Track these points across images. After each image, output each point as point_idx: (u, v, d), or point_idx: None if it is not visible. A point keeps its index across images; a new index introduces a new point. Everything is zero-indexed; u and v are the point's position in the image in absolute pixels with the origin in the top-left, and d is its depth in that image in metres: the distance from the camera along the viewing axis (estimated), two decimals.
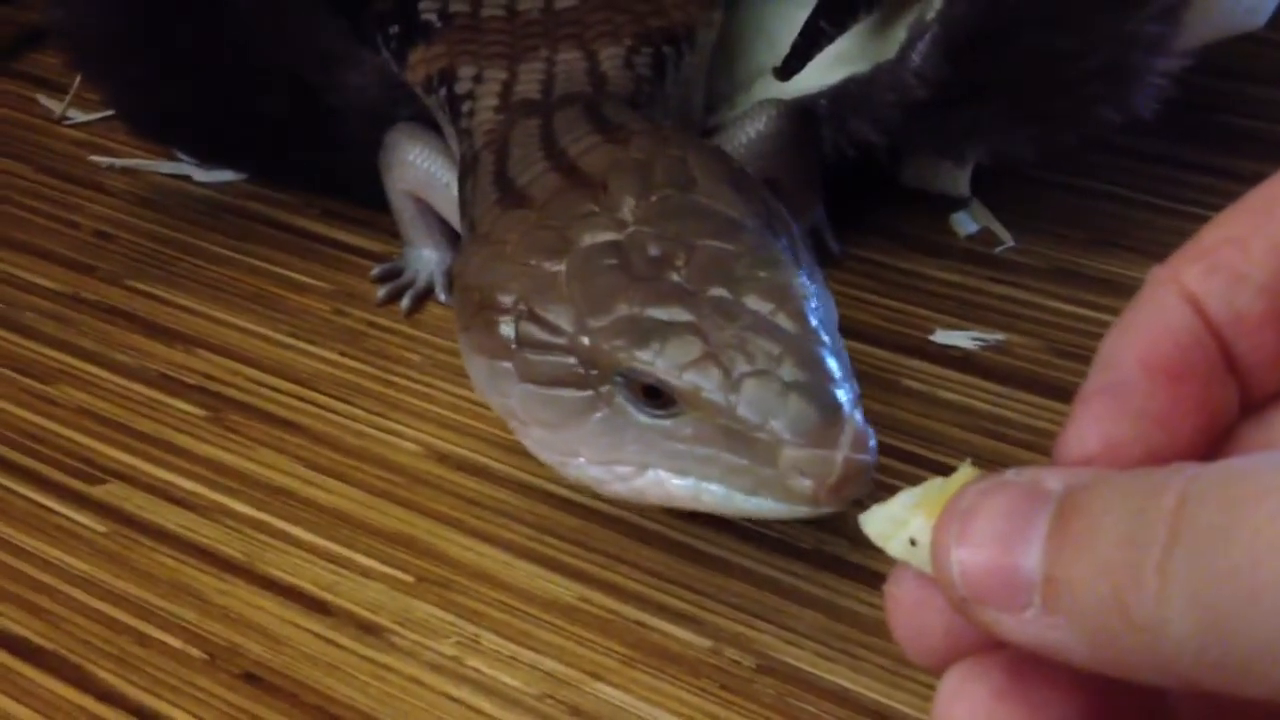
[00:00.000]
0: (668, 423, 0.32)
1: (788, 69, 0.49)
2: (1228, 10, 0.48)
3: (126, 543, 0.39)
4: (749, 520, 0.38)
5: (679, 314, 0.32)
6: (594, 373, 0.33)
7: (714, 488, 0.32)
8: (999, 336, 0.45)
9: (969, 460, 0.25)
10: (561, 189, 0.36)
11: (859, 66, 0.47)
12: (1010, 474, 0.22)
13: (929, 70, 0.44)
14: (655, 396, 0.32)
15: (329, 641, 0.36)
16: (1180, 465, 0.20)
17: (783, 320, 0.32)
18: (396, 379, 0.45)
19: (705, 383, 0.31)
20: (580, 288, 0.33)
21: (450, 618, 0.37)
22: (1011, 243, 0.49)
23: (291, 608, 0.37)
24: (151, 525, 0.40)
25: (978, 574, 0.21)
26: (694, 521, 0.39)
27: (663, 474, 0.33)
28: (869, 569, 0.37)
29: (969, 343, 0.45)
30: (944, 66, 0.44)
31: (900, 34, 0.47)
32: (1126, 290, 0.48)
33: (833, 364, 0.31)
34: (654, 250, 0.33)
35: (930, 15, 0.45)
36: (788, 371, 0.31)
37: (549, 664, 0.35)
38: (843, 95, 0.46)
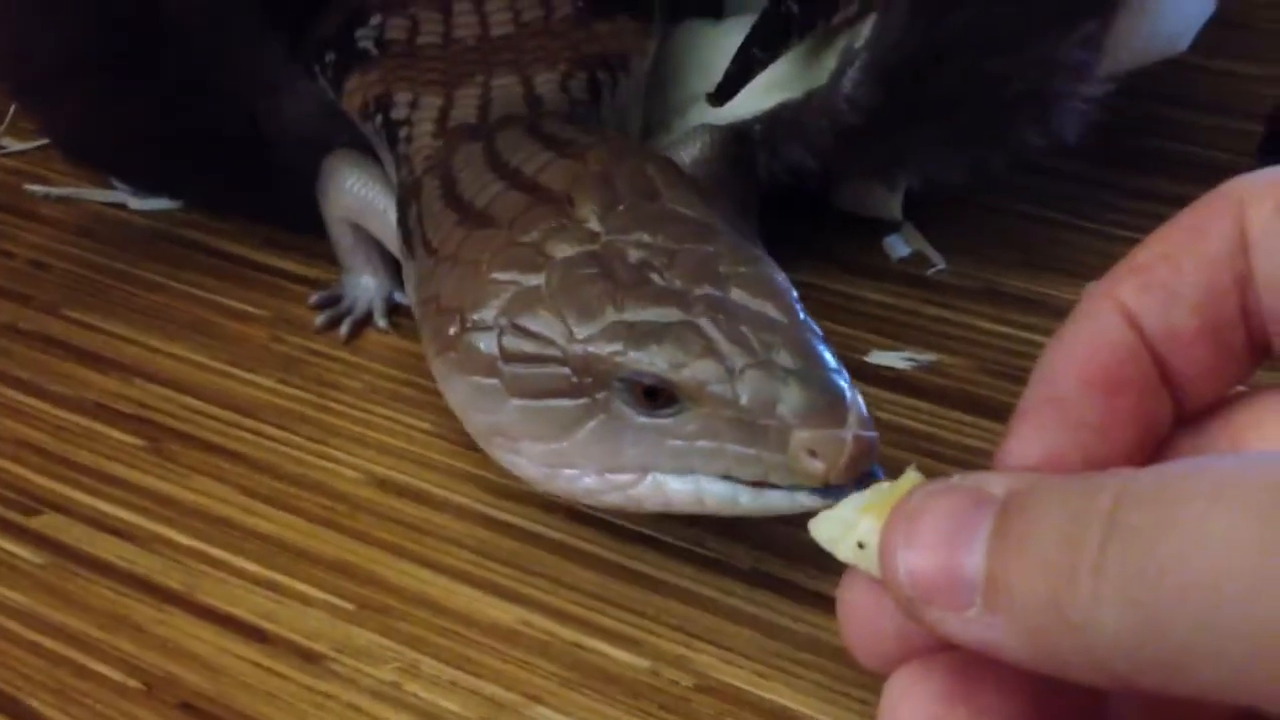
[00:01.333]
0: (669, 421, 0.32)
1: (722, 95, 0.50)
2: (1151, 36, 0.49)
3: (64, 574, 0.39)
4: (685, 540, 0.39)
5: (671, 314, 0.33)
6: (588, 380, 0.33)
7: (716, 487, 0.32)
8: (931, 357, 0.46)
9: (914, 465, 0.25)
10: (527, 205, 0.36)
11: (792, 92, 0.48)
12: (955, 478, 0.23)
13: (860, 96, 0.45)
14: (654, 397, 0.32)
15: (267, 670, 0.36)
16: (1116, 470, 0.20)
17: (773, 312, 0.33)
18: (335, 405, 0.45)
19: (707, 376, 0.32)
20: (565, 298, 0.34)
21: (390, 644, 0.37)
22: (943, 265, 0.50)
23: (229, 636, 0.37)
24: (89, 556, 0.40)
25: (923, 574, 0.21)
26: (633, 543, 0.39)
27: (661, 478, 0.33)
28: (805, 588, 0.37)
29: (902, 363, 0.46)
30: (874, 92, 0.44)
31: (832, 61, 0.47)
32: (1054, 310, 0.49)
33: (826, 352, 0.32)
34: (633, 256, 0.34)
35: (860, 43, 0.45)
36: (786, 360, 0.31)
37: (489, 688, 0.36)
38: (776, 121, 0.47)
